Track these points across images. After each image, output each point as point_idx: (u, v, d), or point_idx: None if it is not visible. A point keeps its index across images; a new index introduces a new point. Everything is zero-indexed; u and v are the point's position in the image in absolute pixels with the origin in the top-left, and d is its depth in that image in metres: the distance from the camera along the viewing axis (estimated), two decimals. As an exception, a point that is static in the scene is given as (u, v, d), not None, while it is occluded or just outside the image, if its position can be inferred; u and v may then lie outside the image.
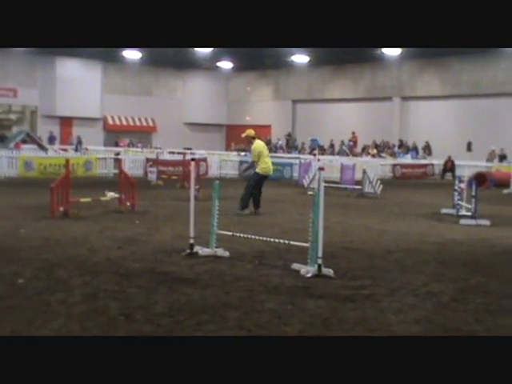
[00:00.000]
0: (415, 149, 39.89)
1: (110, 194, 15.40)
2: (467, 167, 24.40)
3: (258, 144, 15.40)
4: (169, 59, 44.59)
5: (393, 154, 39.34)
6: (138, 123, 49.98)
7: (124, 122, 49.26)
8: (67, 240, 10.63)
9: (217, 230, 9.68)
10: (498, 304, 7.20)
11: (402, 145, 40.97)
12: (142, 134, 49.73)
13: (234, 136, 50.59)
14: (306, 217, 8.72)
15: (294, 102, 48.33)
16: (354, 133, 42.50)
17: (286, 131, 47.95)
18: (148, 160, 28.73)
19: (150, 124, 50.61)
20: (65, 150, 36.49)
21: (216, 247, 9.60)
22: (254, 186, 15.06)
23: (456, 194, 16.27)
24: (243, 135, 15.55)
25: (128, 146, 45.49)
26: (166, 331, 5.85)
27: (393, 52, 38.68)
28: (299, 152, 42.29)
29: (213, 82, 51.83)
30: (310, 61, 43.10)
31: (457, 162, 32.08)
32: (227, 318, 6.31)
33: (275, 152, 42.58)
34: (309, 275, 8.24)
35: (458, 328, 6.21)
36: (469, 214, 15.12)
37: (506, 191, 24.92)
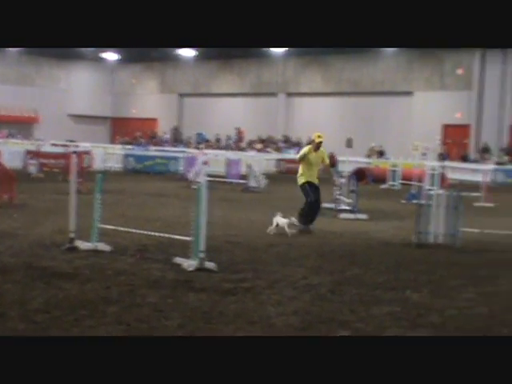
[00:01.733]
0: (299, 144, 40.70)
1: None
2: (348, 163, 25.13)
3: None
4: (51, 49, 43.25)
5: (278, 149, 39.97)
6: (17, 114, 48.15)
7: (3, 112, 47.32)
8: None
9: (98, 223, 9.51)
10: (372, 294, 7.51)
11: (286, 140, 41.70)
12: (22, 125, 47.96)
13: (120, 129, 49.83)
14: (190, 211, 8.73)
15: (181, 95, 48.12)
16: (238, 128, 42.80)
17: (172, 125, 47.68)
18: (29, 152, 27.80)
19: (32, 115, 48.90)
20: None
21: (97, 241, 9.43)
22: None
23: (336, 188, 16.75)
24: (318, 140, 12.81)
25: (7, 137, 43.73)
26: (41, 328, 5.71)
27: (278, 49, 39.28)
28: (185, 146, 42.17)
29: (98, 74, 50.77)
30: (196, 55, 43.04)
31: (339, 158, 32.98)
32: (106, 313, 6.23)
33: (161, 145, 42.27)
34: (191, 269, 8.27)
35: (333, 318, 6.42)
36: (348, 208, 15.62)
37: (383, 186, 25.92)
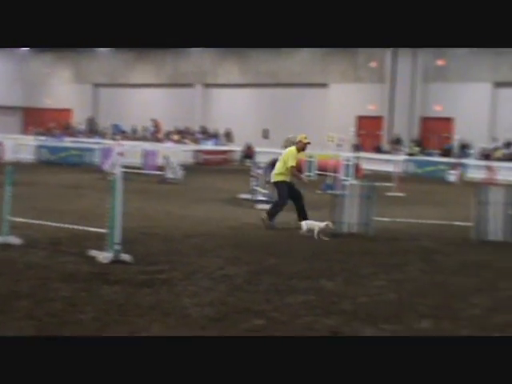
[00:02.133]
0: (217, 135, 40.71)
1: None
2: (265, 154, 25.34)
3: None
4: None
5: (195, 140, 39.85)
6: None
7: None
8: None
9: (9, 216, 9.26)
10: (287, 284, 7.62)
11: (204, 131, 41.61)
12: None
13: (33, 119, 48.47)
14: (106, 203, 8.61)
15: (96, 85, 47.20)
16: (154, 120, 42.37)
17: (87, 115, 46.75)
18: None
19: None
20: None
21: (8, 235, 9.18)
22: None
23: (253, 179, 16.89)
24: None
25: None
26: (-51, 324, 5.53)
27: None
28: (101, 137, 41.44)
29: (8, 63, 49.14)
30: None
31: (255, 149, 33.25)
32: (17, 308, 6.09)
33: (76, 136, 41.39)
34: (106, 261, 8.17)
35: (249, 308, 6.49)
36: (264, 198, 15.77)
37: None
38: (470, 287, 7.85)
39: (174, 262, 8.49)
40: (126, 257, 8.33)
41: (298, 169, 12.55)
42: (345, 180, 17.60)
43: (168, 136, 40.85)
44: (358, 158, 30.25)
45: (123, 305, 6.39)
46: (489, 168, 26.96)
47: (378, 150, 34.80)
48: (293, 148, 12.47)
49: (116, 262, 8.18)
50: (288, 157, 12.23)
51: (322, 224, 11.09)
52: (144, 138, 39.92)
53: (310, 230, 11.14)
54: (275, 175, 12.44)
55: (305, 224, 11.39)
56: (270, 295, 7.05)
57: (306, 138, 12.57)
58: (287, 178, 12.30)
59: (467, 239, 11.32)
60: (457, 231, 11.98)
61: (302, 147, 12.51)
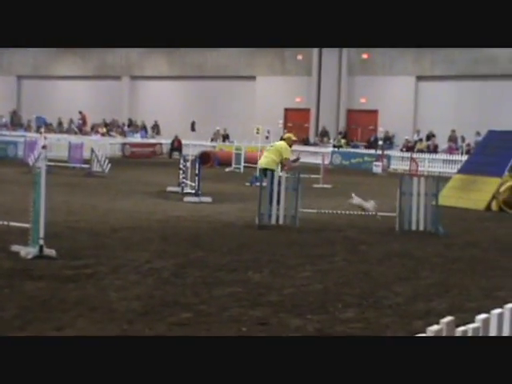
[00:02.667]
0: (144, 128, 40.33)
1: None
2: (193, 146, 25.25)
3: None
4: None
5: (122, 133, 39.36)
6: None
7: None
8: None
9: None
10: (215, 276, 7.65)
11: (131, 124, 41.15)
12: None
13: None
14: (30, 197, 8.43)
15: (19, 77, 46.00)
16: (81, 112, 41.63)
17: (10, 108, 45.49)
18: None
19: None
20: None
21: None
22: None
23: (181, 172, 16.83)
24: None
25: None
26: None
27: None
28: (25, 130, 40.44)
29: None
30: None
31: (184, 142, 33.09)
32: None
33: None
34: (29, 257, 8.01)
35: (176, 301, 6.49)
36: (193, 191, 15.74)
37: (228, 169, 26.32)
38: (393, 276, 8.06)
39: (100, 257, 8.39)
40: (50, 252, 8.18)
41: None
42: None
43: (94, 129, 40.21)
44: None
45: (47, 301, 6.29)
46: (412, 159, 27.65)
47: (306, 142, 35.18)
48: (284, 143, 13.74)
49: (40, 257, 8.02)
50: (283, 149, 13.44)
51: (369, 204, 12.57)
52: (70, 131, 39.16)
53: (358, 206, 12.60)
54: (268, 163, 13.34)
55: (355, 197, 12.74)
56: (197, 288, 7.06)
57: (294, 135, 14.74)
58: (277, 168, 13.44)
59: (391, 229, 11.60)
60: (381, 222, 12.24)
61: (290, 144, 13.81)
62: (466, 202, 15.74)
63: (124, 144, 34.22)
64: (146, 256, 8.60)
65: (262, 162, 13.62)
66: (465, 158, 25.11)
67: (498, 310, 3.48)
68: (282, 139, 14.50)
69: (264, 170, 13.22)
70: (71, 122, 41.09)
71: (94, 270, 7.62)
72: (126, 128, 40.64)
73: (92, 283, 7.05)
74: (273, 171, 12.61)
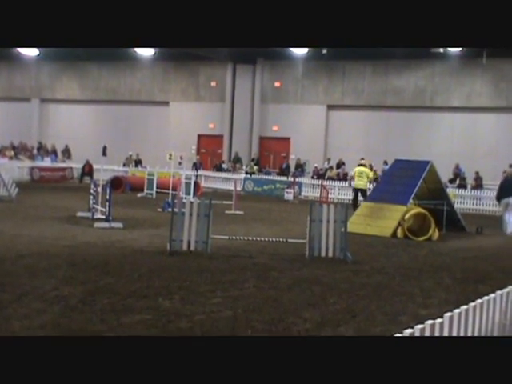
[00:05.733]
0: (55, 152, 39.47)
1: None
2: (104, 171, 24.87)
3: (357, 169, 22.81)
4: None
5: (31, 157, 38.38)
6: None
7: None
8: None
9: None
10: (123, 303, 7.55)
11: (41, 147, 40.21)
12: None
13: None
14: None
15: None
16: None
17: None
18: None
19: None
20: None
21: None
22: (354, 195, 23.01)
23: (92, 197, 16.56)
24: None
25: None
26: None
27: (31, 52, 37.85)
28: None
29: None
30: None
31: (95, 166, 32.58)
32: None
33: None
34: None
35: (83, 329, 6.36)
36: (103, 217, 15.51)
37: (140, 195, 26.08)
38: (302, 302, 8.18)
39: (4, 284, 8.14)
40: (-49, 279, 7.87)
41: None
42: (184, 198, 17.69)
43: (1, 152, 39.01)
44: (197, 176, 30.55)
45: None
46: (323, 187, 28.20)
47: (218, 168, 35.33)
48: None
49: None
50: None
51: None
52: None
53: None
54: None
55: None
56: (106, 315, 6.95)
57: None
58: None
59: (301, 256, 11.78)
60: (292, 248, 12.40)
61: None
62: (373, 229, 16.16)
63: (33, 168, 33.38)
64: (53, 283, 8.41)
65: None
66: (373, 186, 25.82)
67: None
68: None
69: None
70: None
71: (-2, 298, 7.38)
72: (35, 151, 39.65)
73: (-5, 312, 6.83)
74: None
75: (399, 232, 15.85)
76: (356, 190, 22.63)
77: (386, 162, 30.33)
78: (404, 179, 17.16)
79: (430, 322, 4.25)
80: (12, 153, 38.33)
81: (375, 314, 7.76)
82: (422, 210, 16.38)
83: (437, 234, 16.01)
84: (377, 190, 18.52)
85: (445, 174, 24.17)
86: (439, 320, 4.37)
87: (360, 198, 21.89)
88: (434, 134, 33.00)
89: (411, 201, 16.82)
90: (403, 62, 33.08)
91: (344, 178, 31.44)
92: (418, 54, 31.40)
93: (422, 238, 15.67)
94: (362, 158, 25.66)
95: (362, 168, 22.69)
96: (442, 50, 30.36)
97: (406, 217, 15.96)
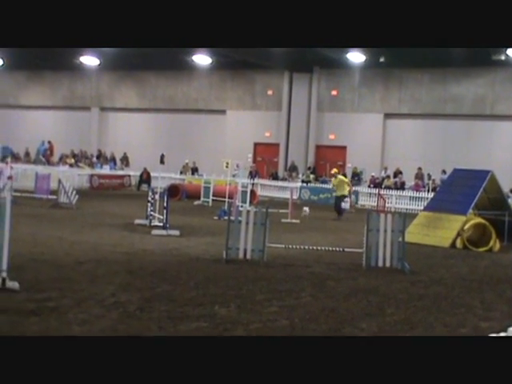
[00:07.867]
0: (113, 159, 40.16)
1: None
2: (161, 179, 25.16)
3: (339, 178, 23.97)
4: None
5: (91, 164, 39.14)
6: None
7: None
8: None
9: None
10: (180, 311, 7.58)
11: (100, 155, 40.96)
12: None
13: None
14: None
15: (-14, 106, 45.63)
16: (49, 142, 41.40)
17: (-24, 137, 45.00)
18: None
19: None
20: None
21: None
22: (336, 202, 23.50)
23: (149, 205, 16.74)
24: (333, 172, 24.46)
25: None
26: None
27: (92, 62, 38.62)
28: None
29: None
30: (2, 64, 41.01)
31: (152, 174, 32.99)
32: None
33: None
34: (-9, 289, 7.87)
35: (142, 335, 6.40)
36: (160, 224, 15.65)
37: (196, 202, 26.27)
38: (359, 312, 8.07)
39: (64, 289, 8.28)
40: (13, 284, 8.05)
41: None
42: (240, 206, 17.74)
43: (62, 159, 39.91)
44: (253, 184, 30.63)
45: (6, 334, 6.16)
46: (380, 196, 27.89)
47: (274, 176, 35.34)
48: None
49: (2, 289, 7.88)
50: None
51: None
52: (38, 161, 38.78)
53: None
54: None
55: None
56: (163, 322, 6.99)
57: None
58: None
59: (358, 265, 11.65)
60: (348, 257, 12.29)
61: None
62: (431, 239, 15.88)
63: (92, 175, 34.01)
64: (111, 289, 8.51)
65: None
66: (431, 195, 25.40)
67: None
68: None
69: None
70: (38, 152, 40.60)
71: (57, 304, 7.50)
72: (94, 159, 40.42)
73: (55, 317, 6.94)
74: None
75: (458, 242, 15.54)
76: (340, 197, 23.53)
77: (444, 172, 29.83)
78: (464, 189, 16.82)
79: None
80: (72, 160, 39.17)
81: (434, 325, 7.60)
82: (482, 221, 16.01)
83: (498, 245, 15.63)
84: (435, 200, 18.20)
85: (506, 184, 23.55)
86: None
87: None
88: (495, 143, 32.28)
89: (471, 211, 16.47)
90: (462, 70, 32.52)
91: (401, 186, 31.03)
92: (477, 61, 30.82)
93: (482, 249, 15.32)
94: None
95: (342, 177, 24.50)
96: (503, 57, 29.72)
97: (466, 227, 15.64)
